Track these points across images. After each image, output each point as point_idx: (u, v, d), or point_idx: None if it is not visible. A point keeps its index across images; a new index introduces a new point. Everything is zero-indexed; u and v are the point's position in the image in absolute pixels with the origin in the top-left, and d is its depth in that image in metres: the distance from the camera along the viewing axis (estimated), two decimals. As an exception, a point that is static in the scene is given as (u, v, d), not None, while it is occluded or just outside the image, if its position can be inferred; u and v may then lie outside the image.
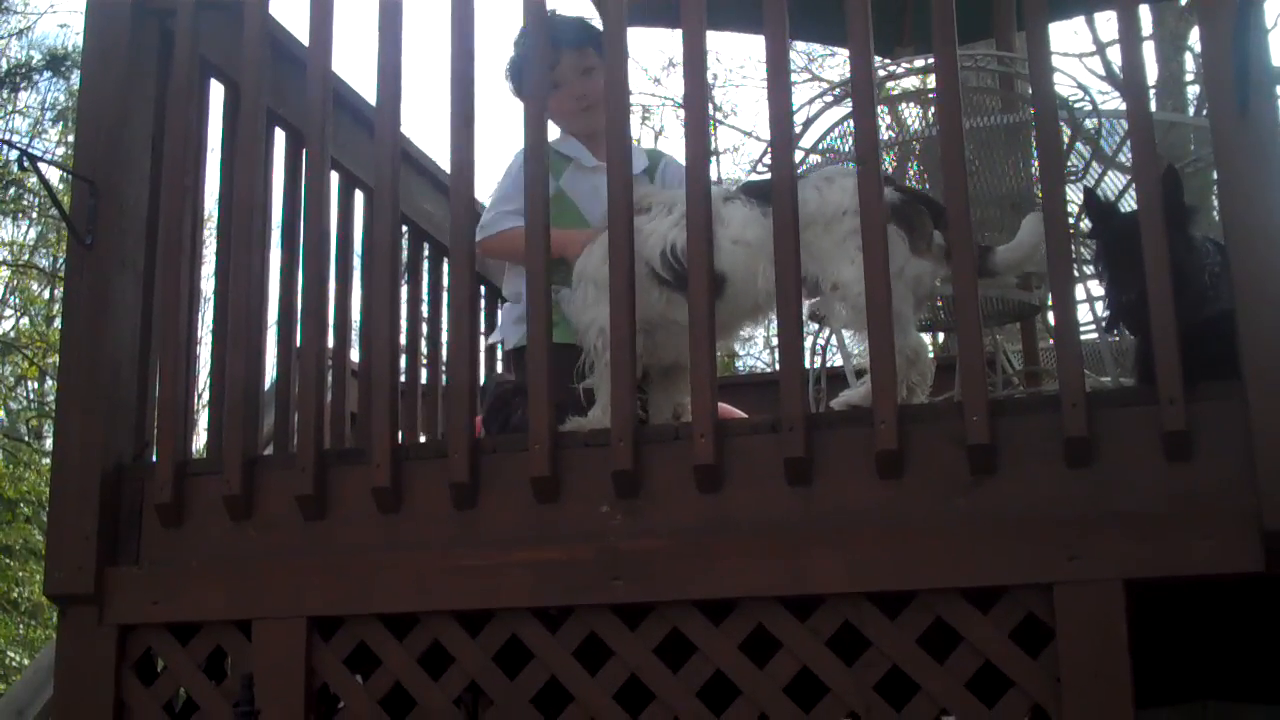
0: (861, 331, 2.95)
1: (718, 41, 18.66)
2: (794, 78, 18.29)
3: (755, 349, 19.83)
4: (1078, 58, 18.29)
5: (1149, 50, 16.84)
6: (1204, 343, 2.78)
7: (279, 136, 3.79)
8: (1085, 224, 4.24)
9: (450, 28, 3.25)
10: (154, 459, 3.32)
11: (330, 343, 3.40)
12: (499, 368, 5.05)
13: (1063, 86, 4.58)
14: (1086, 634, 2.60)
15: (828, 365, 5.29)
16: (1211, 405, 2.66)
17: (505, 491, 3.02)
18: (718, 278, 3.23)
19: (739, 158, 21.02)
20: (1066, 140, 4.28)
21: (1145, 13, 16.51)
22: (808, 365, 5.26)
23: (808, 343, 5.28)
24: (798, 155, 4.69)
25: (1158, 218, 2.77)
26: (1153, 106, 16.22)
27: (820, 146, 4.80)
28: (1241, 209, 2.72)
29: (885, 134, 4.88)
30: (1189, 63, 15.88)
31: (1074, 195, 4.46)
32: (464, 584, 2.98)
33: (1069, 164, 4.44)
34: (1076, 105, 4.46)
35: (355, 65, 3.79)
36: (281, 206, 3.78)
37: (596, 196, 3.56)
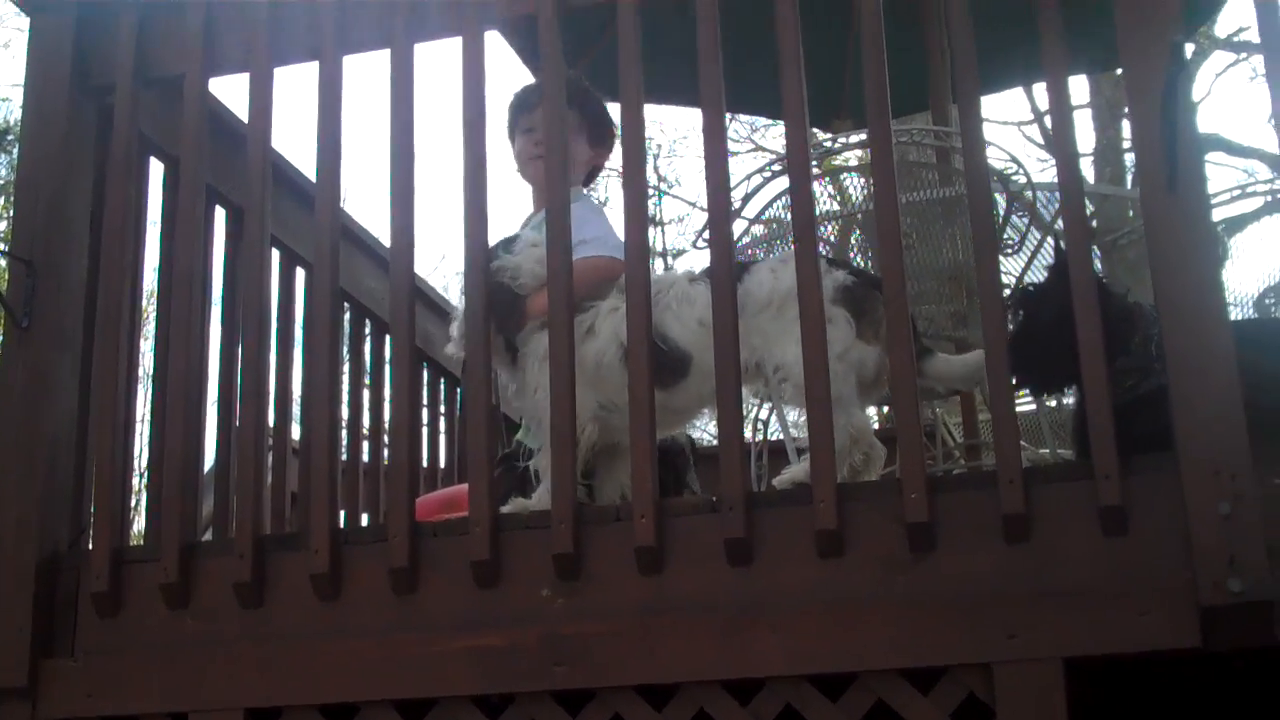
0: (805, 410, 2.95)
1: (661, 112, 18.80)
2: (737, 148, 18.49)
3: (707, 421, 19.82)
4: (1016, 126, 18.50)
5: (1085, 118, 17.08)
6: (1139, 416, 2.80)
7: (219, 214, 3.78)
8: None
9: (390, 102, 3.26)
10: (90, 545, 3.27)
11: (271, 422, 3.38)
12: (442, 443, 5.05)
13: (998, 159, 4.63)
14: (1026, 714, 2.60)
15: (769, 440, 5.29)
16: (1147, 479, 2.68)
17: (446, 575, 3.00)
18: (683, 358, 3.26)
19: (684, 228, 21.14)
20: (1002, 213, 4.32)
21: (1082, 81, 16.75)
22: (751, 441, 5.29)
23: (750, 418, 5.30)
24: (740, 226, 4.72)
25: (1091, 291, 2.79)
26: (1090, 176, 16.44)
27: (765, 216, 4.83)
28: (1172, 282, 2.75)
29: (829, 205, 4.92)
30: (1126, 130, 16.08)
31: (1012, 267, 4.50)
32: (404, 672, 2.95)
33: (1006, 236, 4.48)
34: (1012, 177, 4.50)
35: (296, 142, 3.79)
36: (222, 284, 3.76)
37: None
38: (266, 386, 3.30)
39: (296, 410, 3.90)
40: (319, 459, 3.12)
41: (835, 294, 3.27)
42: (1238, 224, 5.22)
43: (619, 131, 3.25)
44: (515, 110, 3.98)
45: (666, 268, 18.95)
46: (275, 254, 3.80)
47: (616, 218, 3.25)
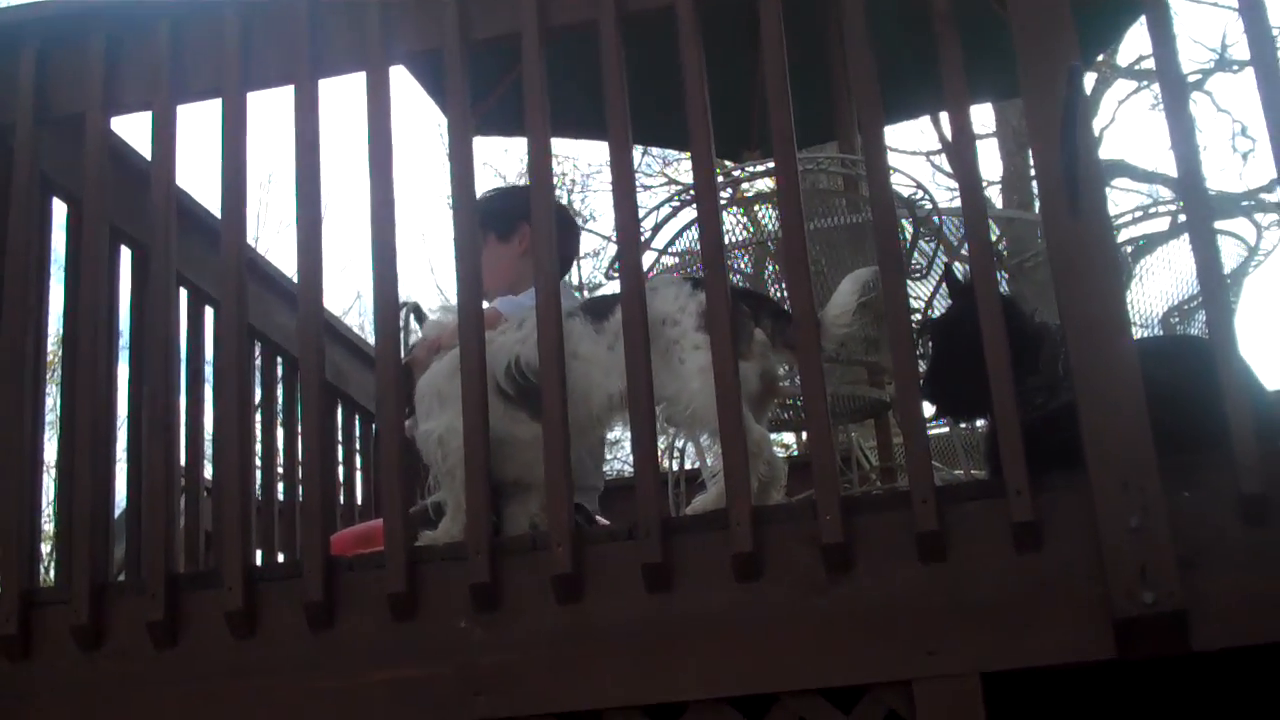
0: (691, 436, 2.98)
1: (574, 147, 18.86)
2: (650, 182, 18.60)
3: (624, 452, 19.83)
4: (925, 156, 18.74)
5: (992, 147, 17.33)
6: (1049, 433, 2.84)
7: (124, 253, 3.74)
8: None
9: (295, 138, 3.25)
10: (-2, 589, 3.22)
11: (183, 461, 3.34)
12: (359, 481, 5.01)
13: (905, 186, 4.69)
14: (947, 729, 2.61)
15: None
16: (1058, 495, 2.71)
17: (363, 609, 2.96)
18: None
19: (599, 262, 21.18)
20: (909, 238, 4.38)
21: (988, 111, 17.00)
22: (671, 468, 5.30)
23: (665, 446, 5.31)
24: (651, 257, 4.75)
25: (996, 311, 2.83)
26: (998, 202, 16.67)
27: (678, 248, 4.86)
28: (1076, 302, 2.80)
29: (741, 234, 4.95)
30: (1032, 158, 16.34)
31: (920, 291, 4.55)
32: (322, 707, 2.92)
33: (913, 261, 4.54)
34: (918, 203, 4.56)
35: (202, 179, 3.77)
36: (129, 324, 3.72)
37: None
38: (176, 425, 3.26)
39: (209, 450, 3.86)
40: (231, 495, 3.08)
41: (699, 321, 3.25)
42: (1146, 247, 5.31)
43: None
44: None
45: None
46: (183, 292, 3.77)
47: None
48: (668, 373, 3.17)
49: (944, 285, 4.55)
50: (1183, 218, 4.70)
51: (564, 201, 14.88)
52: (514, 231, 4.08)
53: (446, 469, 3.36)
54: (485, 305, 3.72)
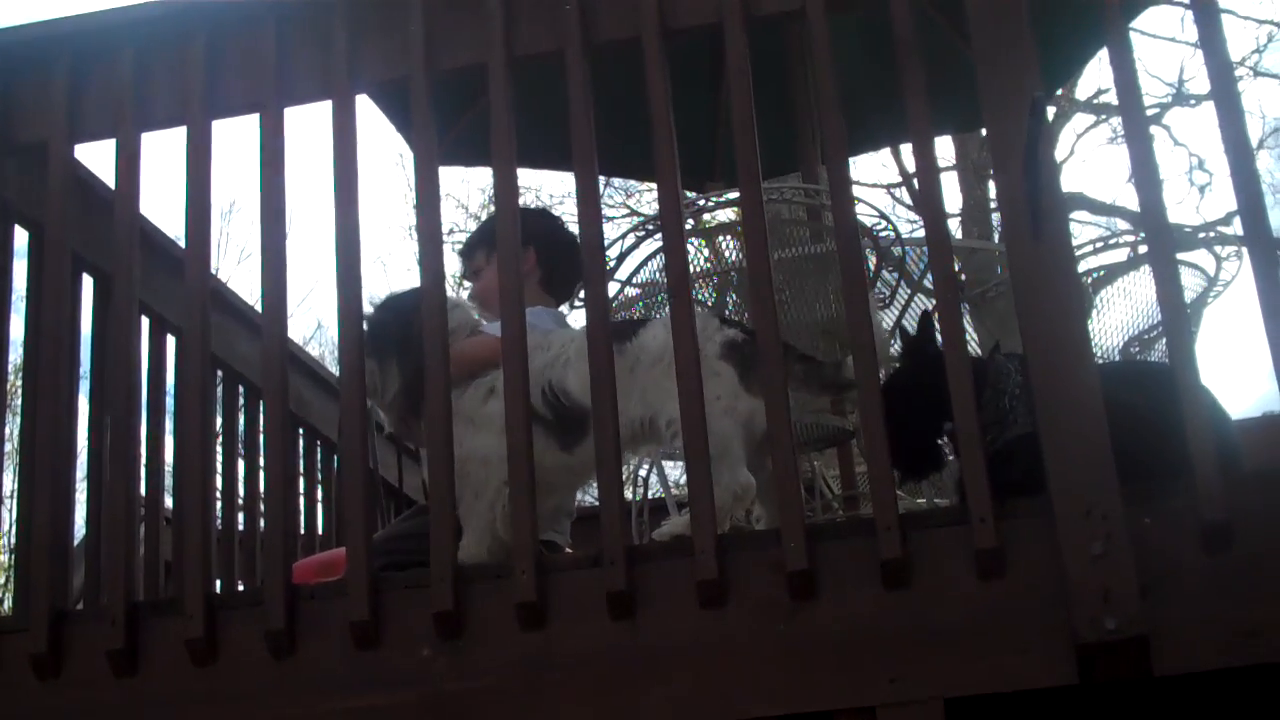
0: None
1: (540, 178, 18.88)
2: (613, 213, 18.63)
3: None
4: (886, 189, 18.84)
5: (952, 180, 17.45)
6: (1002, 468, 2.86)
7: (87, 281, 3.72)
8: (894, 350, 4.36)
9: (260, 166, 3.24)
10: (-46, 619, 3.19)
11: (144, 491, 3.32)
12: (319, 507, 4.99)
13: (867, 216, 4.71)
14: (911, 756, 2.62)
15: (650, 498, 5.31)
16: (1021, 522, 2.72)
17: (325, 638, 2.95)
18: (584, 415, 3.25)
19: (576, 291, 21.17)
20: (872, 267, 4.40)
21: (948, 144, 17.12)
22: (635, 497, 5.30)
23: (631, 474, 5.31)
24: (614, 287, 4.76)
25: (961, 339, 2.85)
26: (958, 233, 16.77)
27: (641, 279, 4.87)
28: (1039, 329, 2.82)
29: (703, 265, 4.97)
30: (993, 190, 16.46)
31: (884, 320, 4.58)
32: (283, 736, 2.90)
33: (876, 290, 4.56)
34: (881, 234, 4.59)
35: (165, 207, 3.76)
36: (90, 352, 3.70)
37: None
38: (137, 453, 3.24)
39: (170, 480, 3.84)
40: (192, 522, 3.07)
41: (723, 349, 3.30)
42: (1107, 279, 5.35)
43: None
44: (460, 258, 4.28)
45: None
46: (145, 321, 3.75)
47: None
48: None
49: (906, 315, 4.59)
50: (1142, 249, 4.76)
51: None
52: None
53: (488, 490, 3.38)
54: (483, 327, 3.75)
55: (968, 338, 4.66)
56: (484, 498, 3.35)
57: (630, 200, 18.81)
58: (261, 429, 4.05)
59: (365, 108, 5.10)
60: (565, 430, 3.32)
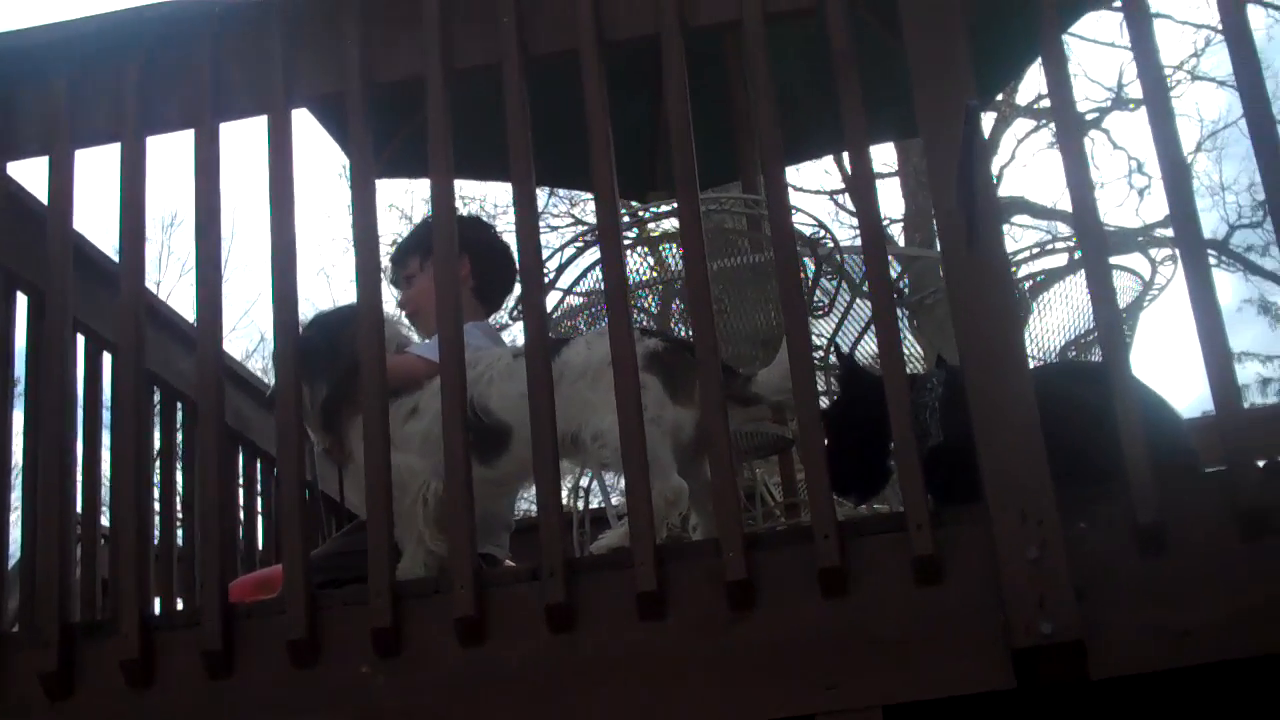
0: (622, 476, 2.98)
1: (482, 188, 18.84)
2: (556, 221, 18.61)
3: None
4: (829, 195, 18.92)
5: (894, 186, 17.54)
6: (935, 473, 2.88)
7: (20, 299, 3.68)
8: (834, 358, 4.37)
9: (195, 182, 3.23)
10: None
11: (80, 509, 3.29)
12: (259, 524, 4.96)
13: (806, 225, 4.73)
14: (849, 763, 2.63)
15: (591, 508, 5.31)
16: (958, 529, 2.74)
17: (263, 656, 2.93)
18: (505, 430, 3.29)
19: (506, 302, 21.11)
20: (811, 276, 4.42)
21: (890, 151, 17.21)
22: (576, 507, 5.30)
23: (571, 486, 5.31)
24: (556, 296, 4.76)
25: (896, 346, 2.87)
26: (901, 240, 16.85)
27: (584, 288, 4.87)
28: (974, 335, 2.84)
29: (648, 274, 4.97)
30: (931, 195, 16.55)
31: (823, 329, 4.59)
32: (221, 756, 2.88)
33: (815, 299, 4.57)
34: (820, 241, 4.60)
35: (100, 223, 3.73)
36: (24, 370, 3.66)
37: None
38: (72, 472, 3.21)
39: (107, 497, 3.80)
40: (127, 542, 3.04)
41: (645, 361, 3.30)
42: (1046, 282, 5.39)
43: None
44: (391, 263, 4.25)
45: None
46: (81, 339, 3.71)
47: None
48: (605, 410, 3.17)
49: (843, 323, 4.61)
50: (1080, 253, 4.79)
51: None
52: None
53: (404, 509, 3.38)
54: (413, 343, 3.74)
55: (906, 345, 4.70)
56: (404, 515, 3.36)
57: (575, 210, 18.78)
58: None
59: (306, 121, 5.09)
60: (484, 446, 3.33)
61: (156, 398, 4.30)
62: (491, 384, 3.44)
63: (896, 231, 18.01)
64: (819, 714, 2.66)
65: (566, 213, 18.93)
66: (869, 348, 4.83)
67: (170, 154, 3.65)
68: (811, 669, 2.69)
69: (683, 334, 4.52)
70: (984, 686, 2.64)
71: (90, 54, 3.40)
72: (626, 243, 4.78)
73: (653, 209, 4.84)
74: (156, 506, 4.09)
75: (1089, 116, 19.36)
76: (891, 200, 18.46)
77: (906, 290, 5.36)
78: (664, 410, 3.28)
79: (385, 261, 4.26)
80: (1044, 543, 2.65)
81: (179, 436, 4.50)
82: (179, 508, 4.36)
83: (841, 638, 2.71)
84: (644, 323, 4.94)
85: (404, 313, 4.13)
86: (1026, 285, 5.35)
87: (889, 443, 3.06)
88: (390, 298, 3.83)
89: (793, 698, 2.69)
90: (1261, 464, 2.72)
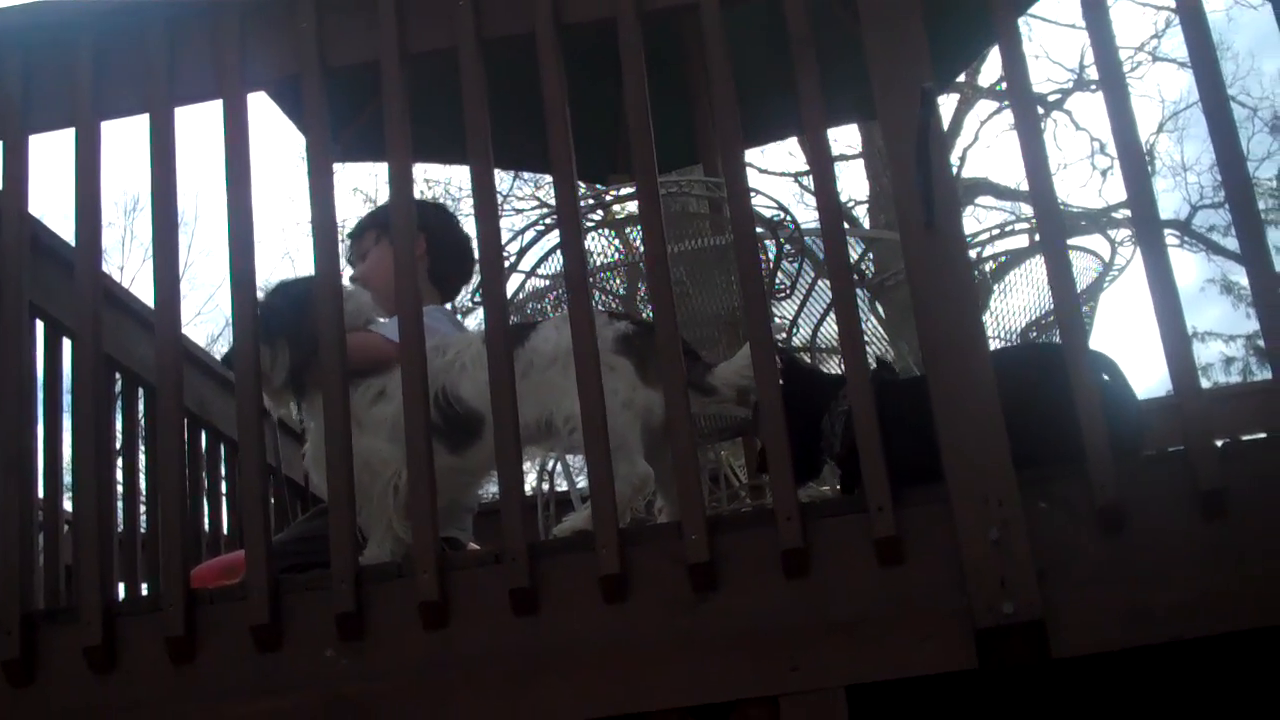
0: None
1: (446, 171, 18.79)
2: (521, 204, 18.58)
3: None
4: (793, 177, 18.94)
5: (858, 167, 17.59)
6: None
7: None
8: (797, 339, 4.39)
9: (150, 167, 3.21)
10: None
11: (40, 496, 3.27)
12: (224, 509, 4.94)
13: (768, 208, 4.74)
14: (813, 743, 2.64)
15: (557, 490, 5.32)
16: (919, 511, 2.75)
17: (226, 642, 2.92)
18: (477, 419, 3.29)
19: (469, 286, 21.07)
20: (772, 259, 4.42)
21: (854, 132, 17.24)
22: (542, 490, 5.30)
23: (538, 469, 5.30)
24: (518, 279, 4.75)
25: (858, 331, 2.89)
26: (866, 222, 16.90)
27: (548, 270, 4.87)
28: (933, 317, 2.85)
29: (613, 255, 4.97)
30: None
31: (785, 311, 4.60)
32: (185, 741, 2.88)
33: (778, 280, 4.58)
34: (781, 224, 4.61)
35: (57, 208, 3.69)
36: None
37: None
38: (32, 459, 3.19)
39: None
40: (88, 529, 3.03)
41: (616, 344, 3.31)
42: (1010, 263, 5.41)
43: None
44: (349, 239, 4.26)
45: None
46: (40, 325, 3.68)
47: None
48: (575, 395, 3.16)
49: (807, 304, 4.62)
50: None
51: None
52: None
53: (374, 495, 3.38)
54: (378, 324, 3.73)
55: (867, 328, 4.71)
56: (374, 501, 3.35)
57: (539, 192, 18.75)
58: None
59: (268, 106, 5.07)
60: (455, 434, 3.33)
61: (119, 383, 4.27)
62: (464, 371, 3.41)
63: (861, 213, 18.08)
64: (783, 695, 2.67)
65: (531, 194, 18.91)
66: (832, 329, 4.85)
67: (130, 137, 3.63)
68: (775, 650, 2.70)
69: (650, 317, 4.52)
70: (947, 666, 2.66)
71: (43, 40, 3.37)
72: (591, 225, 4.79)
73: (612, 192, 4.83)
74: (119, 491, 4.07)
75: (1051, 98, 19.47)
76: (856, 182, 18.52)
77: (869, 272, 5.38)
78: (635, 393, 3.28)
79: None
80: (1005, 523, 2.67)
81: (141, 421, 4.48)
82: (143, 493, 4.33)
83: (804, 619, 2.72)
84: (612, 305, 4.94)
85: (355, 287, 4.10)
86: (989, 267, 5.37)
87: (819, 436, 3.10)
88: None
89: (757, 679, 2.70)
90: (1220, 444, 2.74)
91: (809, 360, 4.94)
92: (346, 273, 4.01)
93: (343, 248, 4.05)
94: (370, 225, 4.20)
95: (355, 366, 3.38)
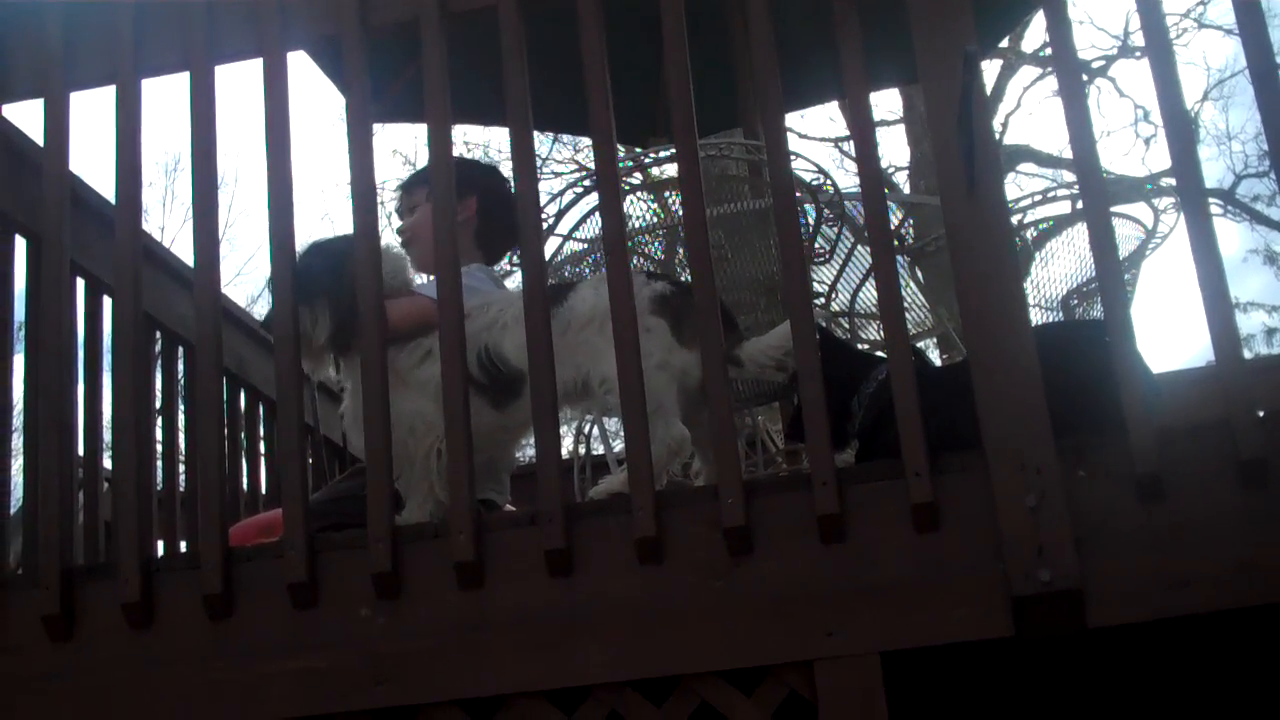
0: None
1: (486, 133, 18.76)
2: (561, 167, 18.56)
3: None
4: (834, 142, 18.84)
5: (899, 133, 17.48)
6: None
7: (19, 243, 3.66)
8: (835, 305, 4.37)
9: (190, 125, 3.21)
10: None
11: (81, 453, 3.29)
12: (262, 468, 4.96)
13: (807, 171, 4.71)
14: (847, 708, 2.63)
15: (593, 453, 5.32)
16: (956, 478, 2.73)
17: (263, 600, 2.94)
18: (518, 377, 3.27)
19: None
20: (811, 223, 4.40)
21: (895, 97, 17.12)
22: (578, 453, 5.30)
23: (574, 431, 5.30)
24: (556, 242, 4.74)
25: (897, 297, 2.87)
26: (906, 188, 16.79)
27: (585, 234, 4.86)
28: (973, 283, 2.83)
29: (651, 219, 4.96)
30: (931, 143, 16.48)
31: (824, 276, 4.58)
32: (223, 698, 2.89)
33: (818, 245, 4.56)
34: (822, 188, 4.59)
35: (100, 166, 3.70)
36: (24, 315, 3.65)
37: None
38: (72, 416, 3.21)
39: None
40: (127, 486, 3.05)
41: (652, 304, 3.30)
42: (1052, 231, 5.38)
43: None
44: (400, 190, 4.25)
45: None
46: (80, 282, 3.71)
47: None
48: (613, 356, 3.16)
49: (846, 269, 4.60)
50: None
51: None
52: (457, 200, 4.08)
53: (417, 458, 3.39)
54: (419, 284, 3.73)
55: (907, 294, 4.69)
56: (417, 463, 3.36)
57: (579, 155, 18.72)
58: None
59: (305, 64, 5.06)
60: (499, 392, 3.33)
61: (159, 342, 4.29)
62: (506, 330, 3.40)
63: (901, 179, 17.97)
64: (817, 660, 2.67)
65: (570, 158, 18.89)
66: (871, 294, 4.83)
67: (171, 96, 3.64)
68: (810, 615, 2.70)
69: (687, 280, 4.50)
70: (982, 634, 2.64)
71: (85, -3, 3.38)
72: (629, 188, 4.77)
73: (651, 155, 4.81)
74: (159, 450, 4.09)
75: (1095, 65, 19.28)
76: (896, 147, 18.40)
77: (909, 237, 5.35)
78: (671, 355, 3.27)
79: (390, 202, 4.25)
80: (1042, 491, 2.65)
81: (180, 380, 4.50)
82: (182, 451, 4.36)
83: (840, 584, 2.72)
84: (649, 268, 4.93)
85: (401, 240, 4.09)
86: (1030, 234, 5.33)
87: (848, 415, 3.08)
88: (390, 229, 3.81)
89: (791, 643, 2.69)
90: (1262, 414, 2.71)
91: (846, 328, 4.93)
92: (393, 224, 4.01)
93: (392, 199, 4.05)
94: (423, 180, 4.18)
95: (407, 330, 3.39)
